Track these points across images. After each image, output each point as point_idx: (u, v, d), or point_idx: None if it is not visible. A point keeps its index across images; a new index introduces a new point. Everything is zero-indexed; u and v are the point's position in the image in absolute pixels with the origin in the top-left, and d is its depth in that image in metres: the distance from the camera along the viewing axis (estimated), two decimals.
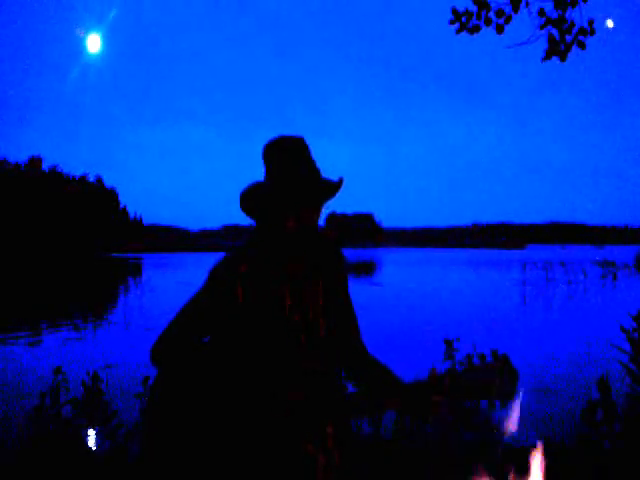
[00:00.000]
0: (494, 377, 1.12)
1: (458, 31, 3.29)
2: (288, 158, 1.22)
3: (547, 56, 3.24)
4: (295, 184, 1.20)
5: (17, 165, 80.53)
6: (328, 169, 1.28)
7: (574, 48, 3.23)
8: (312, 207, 1.23)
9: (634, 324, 3.51)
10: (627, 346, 3.59)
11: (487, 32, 3.30)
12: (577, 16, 3.22)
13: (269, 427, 1.15)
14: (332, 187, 1.23)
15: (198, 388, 1.16)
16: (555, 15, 3.23)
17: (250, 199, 1.24)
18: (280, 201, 1.20)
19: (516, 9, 3.17)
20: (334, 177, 1.26)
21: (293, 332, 1.20)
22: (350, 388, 1.35)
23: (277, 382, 1.17)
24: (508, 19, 3.24)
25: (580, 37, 3.23)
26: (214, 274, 1.22)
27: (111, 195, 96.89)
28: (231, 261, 1.22)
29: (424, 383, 1.18)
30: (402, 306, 13.34)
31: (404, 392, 1.20)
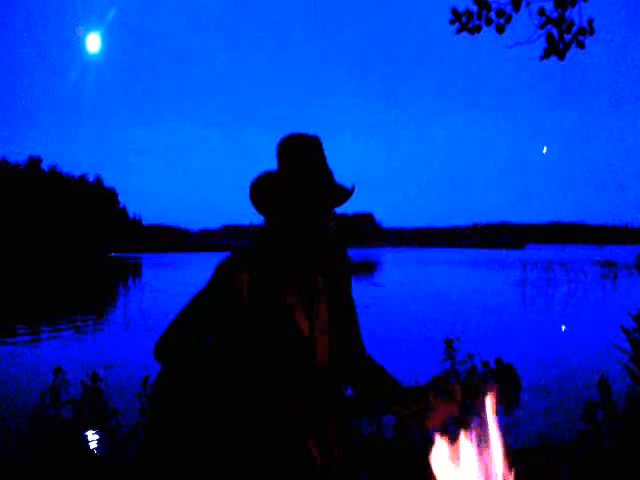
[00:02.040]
0: (498, 384, 1.12)
1: (459, 31, 3.29)
2: (305, 156, 1.21)
3: (546, 55, 3.25)
4: (312, 183, 1.19)
5: (17, 165, 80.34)
6: (334, 171, 1.27)
7: (573, 47, 3.24)
8: (326, 209, 1.22)
9: (634, 324, 3.51)
10: (627, 346, 3.60)
11: (487, 32, 3.31)
12: (577, 16, 3.23)
13: (272, 426, 1.15)
14: (344, 193, 1.23)
15: (201, 387, 1.16)
16: (555, 15, 3.24)
17: (260, 191, 1.23)
18: (295, 199, 1.20)
19: (517, 9, 3.17)
20: (339, 179, 1.25)
21: (297, 333, 1.20)
22: (350, 390, 1.35)
23: (281, 382, 1.17)
24: (509, 19, 3.25)
25: (579, 37, 3.24)
26: (219, 273, 1.21)
27: (110, 195, 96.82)
28: (236, 261, 1.22)
29: (423, 387, 1.18)
30: (402, 306, 13.34)
31: (402, 395, 1.20)
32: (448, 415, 1.14)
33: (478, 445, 1.08)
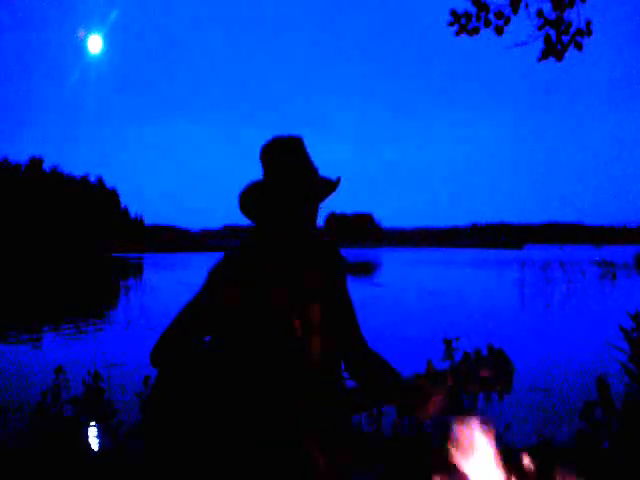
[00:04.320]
0: (490, 370, 1.13)
1: (457, 33, 3.30)
2: (284, 158, 1.22)
3: (543, 56, 3.26)
4: (292, 184, 1.20)
5: (18, 166, 79.56)
6: (327, 168, 1.29)
7: (571, 48, 3.25)
8: (310, 206, 1.23)
9: (633, 324, 3.53)
10: (626, 346, 3.61)
11: (487, 33, 3.31)
12: (575, 17, 3.24)
13: (269, 426, 1.15)
14: (329, 186, 1.24)
15: (198, 389, 1.16)
16: (553, 16, 3.25)
17: (248, 200, 1.25)
18: (278, 201, 1.21)
19: (515, 10, 3.18)
20: (333, 177, 1.26)
21: (292, 332, 1.20)
22: (350, 385, 1.35)
23: (277, 381, 1.17)
24: (507, 20, 3.26)
25: (577, 38, 3.25)
26: (212, 275, 1.22)
27: (112, 195, 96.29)
28: (229, 262, 1.23)
29: (421, 376, 1.18)
30: (401, 306, 13.33)
31: (403, 386, 1.20)
32: (441, 404, 1.15)
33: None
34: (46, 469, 2.35)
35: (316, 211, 1.26)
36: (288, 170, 1.21)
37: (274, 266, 1.23)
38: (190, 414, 1.14)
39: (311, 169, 1.24)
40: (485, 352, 1.16)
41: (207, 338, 1.24)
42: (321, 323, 1.24)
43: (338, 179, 1.24)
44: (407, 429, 2.89)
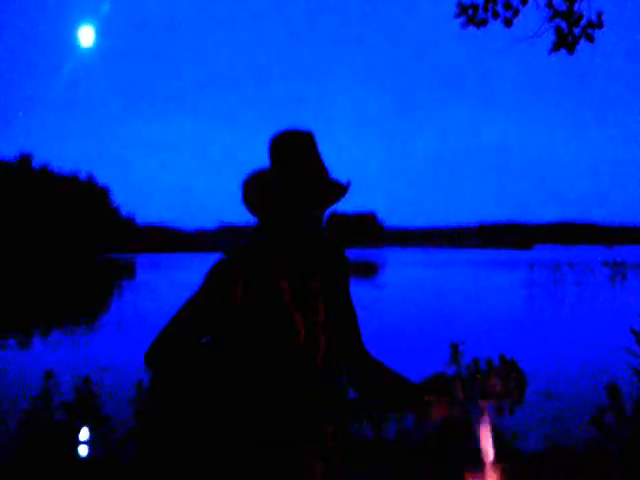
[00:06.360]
0: (501, 382, 1.11)
1: (465, 25, 3.22)
2: (298, 153, 1.20)
3: (555, 48, 3.18)
4: (304, 185, 1.18)
5: (6, 163, 78.54)
6: (329, 167, 1.24)
7: (583, 41, 3.16)
8: (321, 207, 1.22)
9: None
10: (637, 349, 3.52)
11: (494, 27, 3.24)
12: (585, 8, 3.16)
13: (269, 427, 1.14)
14: (340, 190, 1.21)
15: (196, 391, 1.14)
16: (563, 7, 3.17)
17: (253, 192, 1.21)
18: (287, 201, 1.19)
19: (524, 1, 3.11)
20: (335, 176, 1.23)
21: (293, 333, 1.18)
22: (351, 391, 1.33)
23: (277, 383, 1.16)
24: (516, 12, 3.19)
25: (588, 30, 3.17)
26: (213, 274, 1.20)
27: (103, 194, 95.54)
28: (230, 261, 1.21)
29: (427, 384, 1.17)
30: (406, 308, 13.29)
31: (407, 393, 1.19)
32: (449, 413, 1.14)
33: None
34: (38, 474, 2.31)
35: (323, 211, 1.24)
36: (300, 168, 1.19)
37: (277, 265, 1.21)
38: (189, 415, 1.12)
39: (323, 170, 1.22)
40: (497, 363, 1.12)
41: (204, 340, 1.20)
42: (324, 324, 1.23)
43: (349, 183, 1.21)
44: (410, 431, 2.82)
